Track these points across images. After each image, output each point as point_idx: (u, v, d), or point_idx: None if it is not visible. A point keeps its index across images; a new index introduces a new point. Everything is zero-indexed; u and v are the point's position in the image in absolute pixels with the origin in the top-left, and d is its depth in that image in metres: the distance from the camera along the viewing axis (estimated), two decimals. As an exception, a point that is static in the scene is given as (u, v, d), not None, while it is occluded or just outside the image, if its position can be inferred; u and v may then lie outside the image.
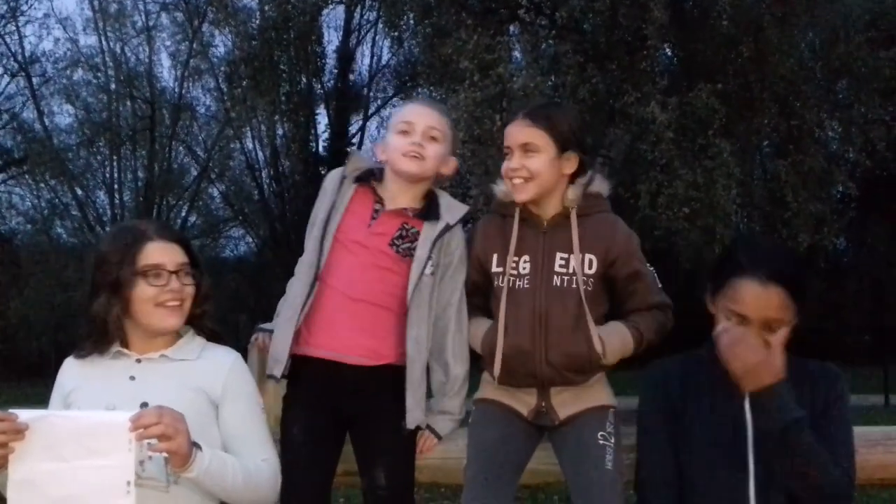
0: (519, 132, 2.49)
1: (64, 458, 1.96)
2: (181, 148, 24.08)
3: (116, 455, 1.94)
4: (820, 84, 13.75)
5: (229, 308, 19.10)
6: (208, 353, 2.30)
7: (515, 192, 2.49)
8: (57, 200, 23.76)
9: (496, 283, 2.52)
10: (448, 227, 2.54)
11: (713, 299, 2.23)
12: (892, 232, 19.62)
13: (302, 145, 21.55)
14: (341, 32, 22.46)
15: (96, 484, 1.95)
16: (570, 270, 2.45)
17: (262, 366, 2.57)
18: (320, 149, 22.77)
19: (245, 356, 2.47)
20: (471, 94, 10.82)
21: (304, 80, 20.01)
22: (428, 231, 2.52)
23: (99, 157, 23.80)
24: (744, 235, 14.68)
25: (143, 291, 2.20)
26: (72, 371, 2.29)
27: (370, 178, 2.60)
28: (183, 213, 23.92)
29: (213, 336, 2.34)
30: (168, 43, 23.25)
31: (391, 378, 2.48)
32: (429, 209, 2.55)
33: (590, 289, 2.45)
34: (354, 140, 23.10)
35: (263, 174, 23.59)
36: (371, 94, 23.43)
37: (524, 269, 2.48)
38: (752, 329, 2.12)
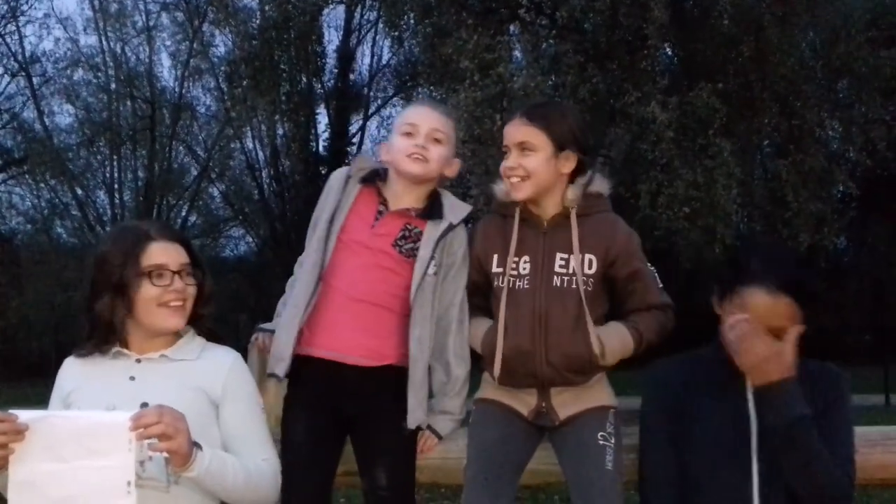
0: (516, 131, 2.49)
1: (64, 458, 1.95)
2: (181, 148, 24.10)
3: (117, 455, 1.94)
4: (820, 84, 13.74)
5: (229, 308, 19.08)
6: (208, 353, 2.29)
7: (513, 190, 2.49)
8: (57, 200, 23.79)
9: (496, 283, 2.51)
10: (451, 227, 2.54)
11: (720, 303, 2.23)
12: (892, 231, 19.61)
13: (302, 145, 21.53)
14: (341, 32, 22.52)
15: (97, 484, 1.94)
16: (570, 271, 2.44)
17: (262, 366, 2.56)
18: (320, 149, 22.79)
19: (245, 356, 2.46)
20: (471, 94, 10.82)
21: (304, 79, 19.97)
22: (431, 230, 2.52)
23: (99, 157, 23.83)
24: (750, 238, 14.67)
25: (147, 292, 2.19)
26: (71, 371, 2.29)
27: (375, 178, 2.60)
28: (183, 213, 23.95)
29: (213, 336, 2.34)
30: (168, 43, 23.34)
31: (392, 378, 2.48)
32: (432, 208, 2.55)
33: (590, 289, 2.44)
34: (354, 140, 23.15)
35: (263, 174, 23.60)
36: (371, 93, 23.47)
37: (524, 269, 2.47)
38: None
